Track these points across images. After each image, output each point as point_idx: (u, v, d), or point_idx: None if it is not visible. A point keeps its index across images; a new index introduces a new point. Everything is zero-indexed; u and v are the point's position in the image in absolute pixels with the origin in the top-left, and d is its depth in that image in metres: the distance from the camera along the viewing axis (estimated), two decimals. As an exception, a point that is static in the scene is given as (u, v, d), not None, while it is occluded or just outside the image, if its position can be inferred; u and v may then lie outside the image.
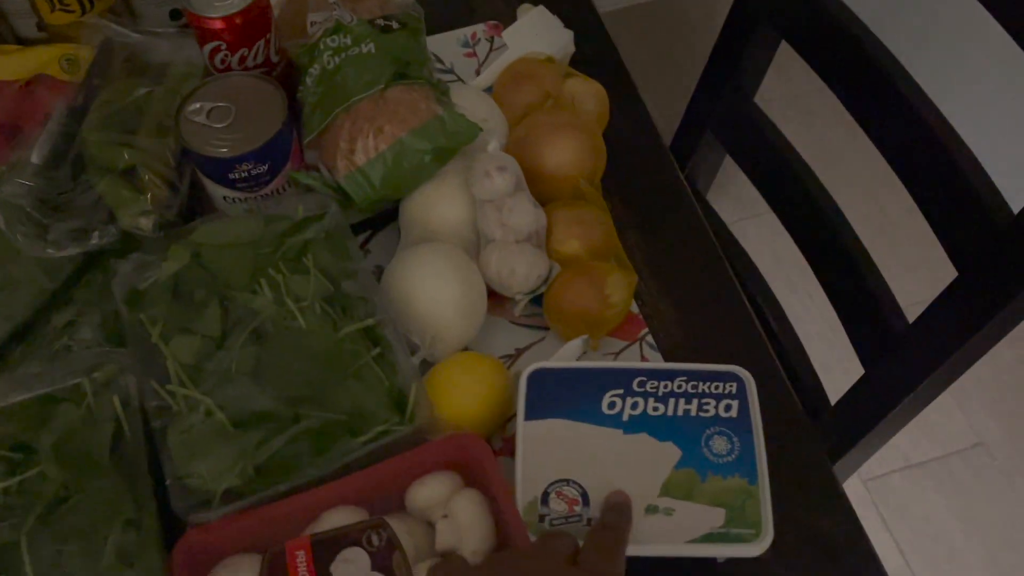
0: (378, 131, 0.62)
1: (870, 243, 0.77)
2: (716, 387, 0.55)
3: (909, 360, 0.70)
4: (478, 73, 0.80)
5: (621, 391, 0.54)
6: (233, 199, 0.64)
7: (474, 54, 0.81)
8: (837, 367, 0.98)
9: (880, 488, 1.43)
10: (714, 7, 2.02)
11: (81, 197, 0.61)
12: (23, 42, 0.79)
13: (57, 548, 0.49)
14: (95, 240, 0.59)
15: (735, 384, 0.55)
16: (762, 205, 0.85)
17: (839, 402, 0.80)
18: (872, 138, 0.70)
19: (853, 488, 1.43)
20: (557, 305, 0.62)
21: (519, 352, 0.65)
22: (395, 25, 0.68)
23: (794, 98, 1.61)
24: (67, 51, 0.72)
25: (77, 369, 0.56)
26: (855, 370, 0.78)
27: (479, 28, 0.83)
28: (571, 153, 0.66)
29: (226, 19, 0.63)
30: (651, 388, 0.55)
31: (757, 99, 0.86)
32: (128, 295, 0.58)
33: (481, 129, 0.63)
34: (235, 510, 0.50)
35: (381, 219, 0.70)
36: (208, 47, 0.65)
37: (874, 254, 0.76)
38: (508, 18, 0.84)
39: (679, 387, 0.55)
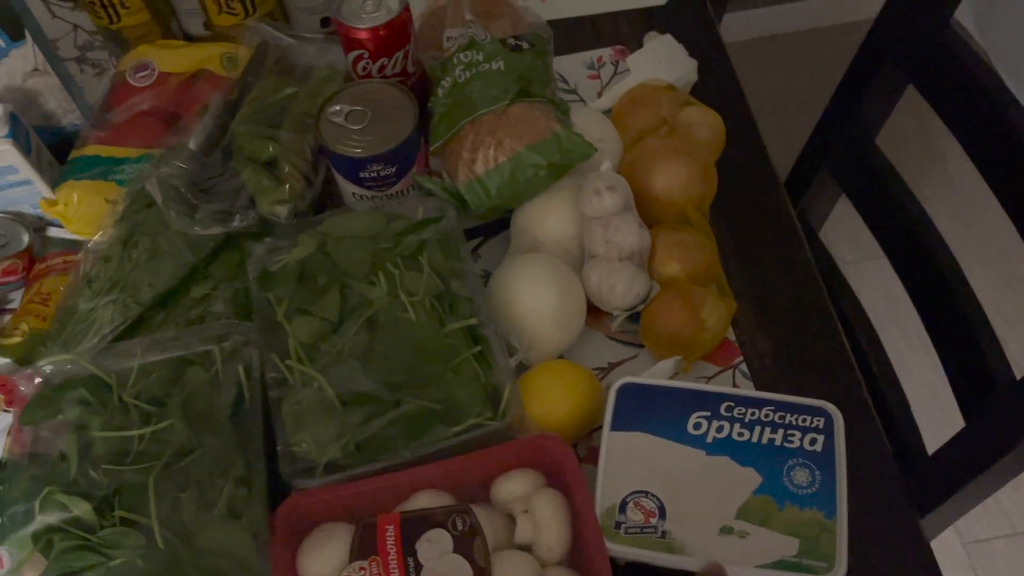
0: (499, 144, 0.66)
1: (985, 294, 0.75)
2: (803, 420, 0.56)
3: (1013, 415, 0.68)
4: (600, 95, 0.83)
5: (708, 413, 0.56)
6: (361, 196, 0.69)
7: (597, 76, 0.84)
8: (940, 418, 0.95)
9: (982, 553, 1.37)
10: (843, 44, 2.00)
11: (227, 183, 0.67)
12: (189, 38, 0.88)
13: (177, 494, 0.54)
14: (236, 222, 0.65)
15: (823, 419, 0.56)
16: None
17: (936, 453, 0.78)
18: (996, 194, 0.69)
19: (952, 549, 1.37)
20: (653, 324, 0.64)
21: (612, 366, 0.67)
22: (525, 45, 0.72)
23: (918, 143, 1.57)
24: (228, 49, 0.79)
25: (209, 337, 0.62)
26: (957, 422, 0.76)
27: (605, 52, 0.86)
28: (680, 178, 0.67)
29: (371, 30, 0.68)
30: (738, 414, 0.56)
31: (879, 140, 0.86)
32: (260, 275, 0.63)
33: (595, 149, 0.66)
34: (335, 481, 0.55)
35: (493, 227, 0.74)
36: (352, 55, 0.71)
37: (986, 304, 0.75)
38: (634, 43, 0.87)
39: (766, 416, 0.56)
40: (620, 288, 0.64)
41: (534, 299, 0.62)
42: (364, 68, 0.71)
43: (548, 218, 0.67)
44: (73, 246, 0.74)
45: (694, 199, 0.68)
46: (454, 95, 0.69)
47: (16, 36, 0.72)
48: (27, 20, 0.73)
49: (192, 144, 0.70)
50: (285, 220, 0.65)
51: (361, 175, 0.67)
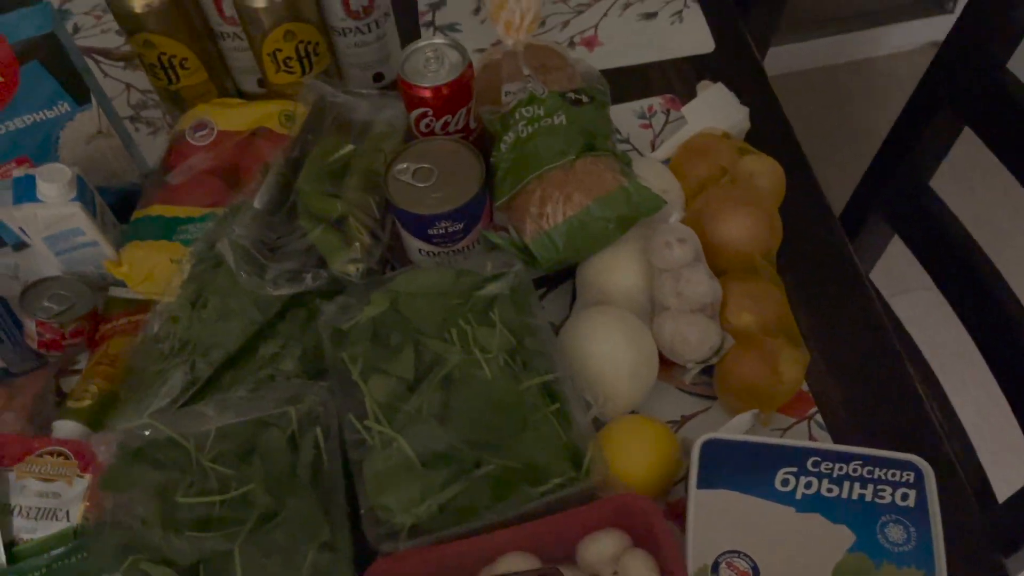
0: (567, 198, 0.66)
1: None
2: (893, 474, 0.55)
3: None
4: (653, 144, 0.83)
5: (795, 469, 0.55)
6: (428, 252, 0.69)
7: (649, 125, 0.85)
8: (1006, 457, 0.94)
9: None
10: (882, 75, 2.01)
11: (296, 242, 0.68)
12: (244, 96, 0.89)
13: (263, 560, 0.54)
14: (308, 283, 0.65)
15: (913, 473, 0.55)
16: (914, 281, 0.83)
17: (1011, 498, 0.77)
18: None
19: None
20: (728, 377, 0.63)
21: (685, 419, 0.66)
22: (585, 99, 0.72)
23: (973, 183, 1.56)
24: (285, 107, 0.80)
25: (284, 398, 0.61)
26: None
27: (656, 101, 0.87)
28: (748, 228, 0.68)
29: (435, 89, 0.69)
30: (825, 469, 0.55)
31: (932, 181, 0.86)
32: (333, 334, 0.63)
33: (665, 202, 0.66)
34: (420, 544, 0.54)
35: (556, 278, 0.74)
36: (415, 112, 0.71)
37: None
38: (683, 92, 0.87)
39: (854, 471, 0.55)
40: (693, 340, 0.63)
41: (608, 353, 0.62)
42: (427, 125, 0.72)
43: (616, 270, 0.67)
44: (137, 305, 0.74)
45: (761, 248, 0.68)
46: (517, 150, 0.70)
47: (81, 100, 0.73)
48: (92, 84, 0.74)
49: (257, 203, 0.70)
50: (358, 279, 0.65)
51: (429, 232, 0.67)
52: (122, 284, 0.75)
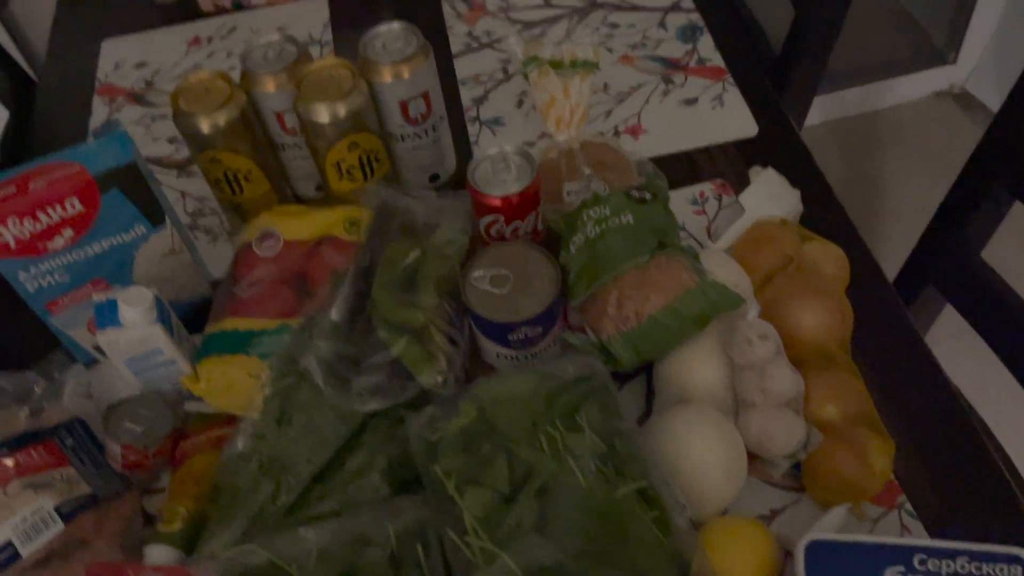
0: (645, 299, 0.67)
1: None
2: (1000, 569, 0.55)
3: None
4: (708, 230, 0.85)
5: (903, 568, 0.55)
6: (506, 356, 0.70)
7: (703, 212, 0.87)
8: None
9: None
10: (897, 128, 2.04)
11: (378, 355, 0.69)
12: (301, 200, 0.91)
13: None
14: (397, 397, 0.66)
15: (1020, 567, 0.55)
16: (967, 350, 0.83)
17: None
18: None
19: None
20: (819, 472, 0.64)
21: (774, 513, 0.67)
22: (648, 196, 0.74)
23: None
24: (349, 214, 0.82)
25: (381, 514, 0.62)
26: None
27: (706, 187, 0.88)
28: (822, 318, 0.69)
29: (505, 199, 0.71)
30: (933, 567, 0.55)
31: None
32: (424, 447, 0.64)
33: (743, 299, 0.67)
34: (536, 665, 0.54)
35: (626, 374, 0.75)
36: (486, 219, 0.73)
37: None
38: (731, 176, 0.89)
39: (962, 567, 0.55)
40: (782, 437, 0.64)
41: (702, 455, 0.63)
42: (497, 231, 0.73)
43: (697, 367, 0.68)
44: (215, 420, 0.75)
45: (836, 337, 0.69)
46: (588, 251, 0.71)
47: (156, 222, 0.75)
48: (166, 205, 0.75)
49: (335, 315, 0.71)
50: (447, 390, 0.66)
51: (509, 338, 0.68)
52: (198, 398, 0.76)
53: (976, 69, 2.09)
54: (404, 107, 0.81)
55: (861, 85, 2.10)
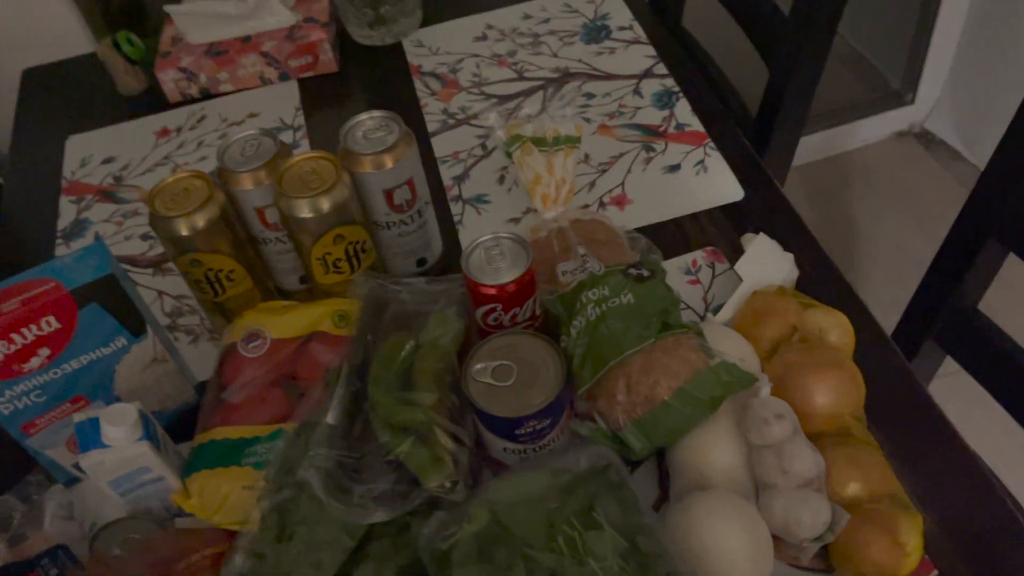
0: (655, 384, 0.65)
1: None
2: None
3: None
4: (705, 299, 0.83)
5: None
6: (513, 450, 0.67)
7: (698, 281, 0.85)
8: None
9: None
10: (862, 170, 2.07)
11: (378, 460, 0.66)
12: (285, 295, 0.88)
13: None
14: (405, 506, 0.62)
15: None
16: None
17: None
18: None
19: None
20: (848, 554, 0.61)
21: (804, 598, 0.64)
22: (646, 273, 0.73)
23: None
24: (337, 307, 0.79)
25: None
26: None
27: (698, 255, 0.87)
28: (836, 391, 0.67)
29: (502, 287, 0.69)
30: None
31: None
32: (437, 557, 0.60)
33: (756, 378, 0.65)
34: None
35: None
36: (483, 309, 0.71)
37: None
38: (721, 243, 0.88)
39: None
40: (807, 519, 0.61)
41: (727, 544, 0.60)
42: (496, 319, 0.71)
43: (713, 450, 0.65)
44: (207, 536, 0.70)
45: (851, 409, 0.67)
46: (590, 335, 0.69)
47: (137, 332, 0.71)
48: (147, 314, 0.72)
49: (331, 419, 0.68)
50: (456, 495, 0.63)
51: (516, 432, 0.65)
52: (188, 514, 0.71)
53: (935, 108, 2.14)
54: (389, 196, 0.79)
55: (822, 131, 2.13)
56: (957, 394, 1.03)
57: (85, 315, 0.67)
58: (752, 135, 1.12)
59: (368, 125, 0.79)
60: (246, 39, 1.14)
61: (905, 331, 0.92)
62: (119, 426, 0.65)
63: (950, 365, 0.94)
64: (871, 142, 2.20)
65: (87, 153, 1.11)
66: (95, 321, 0.68)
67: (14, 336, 0.65)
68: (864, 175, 2.15)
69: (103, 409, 0.67)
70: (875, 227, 2.02)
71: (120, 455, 0.66)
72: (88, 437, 0.66)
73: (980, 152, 2.06)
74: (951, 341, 0.86)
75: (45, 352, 0.67)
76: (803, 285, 0.81)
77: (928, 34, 1.99)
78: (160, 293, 0.93)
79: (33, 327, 0.65)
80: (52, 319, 0.66)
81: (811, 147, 2.15)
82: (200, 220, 0.74)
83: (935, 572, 0.64)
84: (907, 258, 1.93)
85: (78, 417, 0.67)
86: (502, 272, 0.69)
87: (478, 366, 0.67)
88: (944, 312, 0.85)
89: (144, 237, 0.99)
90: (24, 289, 0.65)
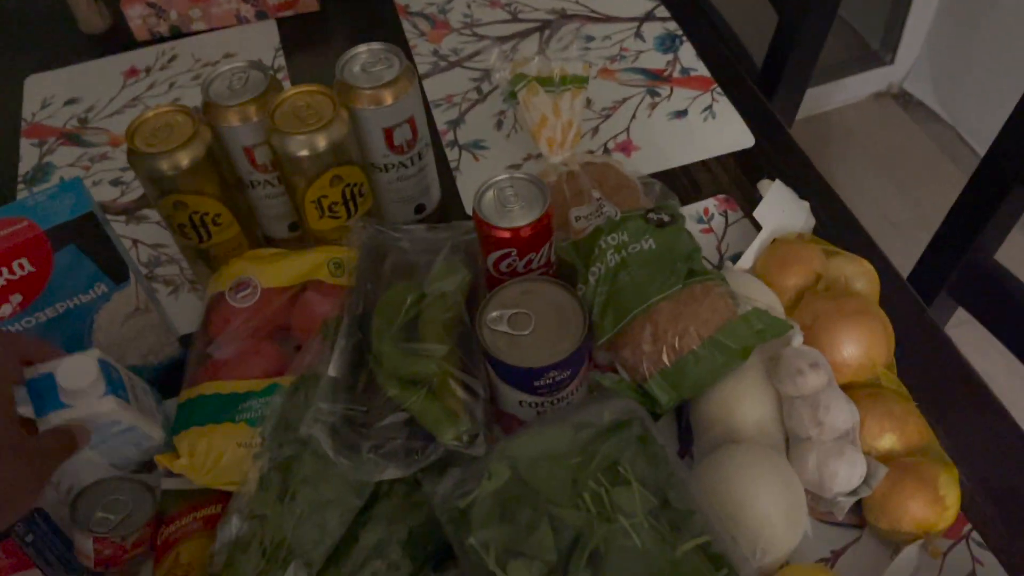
0: (684, 332, 0.61)
1: None
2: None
3: None
4: (719, 249, 0.80)
5: (1004, 613, 0.51)
6: (530, 403, 0.63)
7: (711, 229, 0.82)
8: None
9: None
10: (842, 129, 2.05)
11: (390, 414, 0.61)
12: (273, 243, 0.82)
13: None
14: (420, 462, 0.58)
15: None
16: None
17: None
18: None
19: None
20: (887, 509, 0.59)
21: (835, 555, 0.61)
22: (666, 219, 0.69)
23: None
24: (332, 254, 0.74)
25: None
26: None
27: (710, 203, 0.84)
28: (867, 340, 0.64)
29: (517, 230, 0.64)
30: (1036, 608, 0.51)
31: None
32: (454, 516, 0.57)
33: (791, 326, 0.62)
34: None
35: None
36: (496, 254, 0.66)
37: None
38: (734, 191, 0.85)
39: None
40: (844, 473, 0.59)
41: (760, 501, 0.57)
42: (509, 266, 0.66)
43: (743, 402, 0.62)
44: (198, 498, 0.66)
45: (882, 359, 0.64)
46: (610, 282, 0.65)
47: (119, 279, 0.65)
48: (128, 259, 0.66)
49: (332, 371, 0.64)
50: (475, 449, 0.59)
51: (536, 384, 0.61)
52: (178, 476, 0.66)
53: (913, 69, 2.13)
54: (389, 135, 0.73)
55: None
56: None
57: (61, 258, 0.61)
58: (759, 82, 1.08)
59: (366, 58, 0.73)
60: (221, -27, 1.07)
61: (917, 284, 0.89)
62: (77, 382, 0.58)
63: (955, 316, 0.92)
64: (850, 102, 2.19)
65: (48, 94, 1.03)
66: (73, 265, 0.62)
67: (-18, 280, 0.59)
68: (843, 135, 2.13)
69: (57, 362, 0.58)
70: (854, 188, 2.00)
71: (83, 414, 0.59)
72: (43, 399, 0.57)
73: (957, 114, 2.06)
74: (967, 295, 0.84)
75: (17, 299, 0.61)
76: (820, 234, 0.78)
77: (909, -6, 1.97)
78: (135, 242, 0.87)
79: (4, 270, 0.59)
80: (25, 261, 0.60)
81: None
82: (184, 158, 0.68)
83: (968, 526, 0.62)
84: (886, 220, 1.92)
85: (28, 373, 0.58)
86: (516, 215, 0.65)
87: (493, 314, 0.62)
88: (959, 264, 0.83)
89: (115, 183, 0.92)
90: (-7, 228, 0.59)
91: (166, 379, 0.72)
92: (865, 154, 2.08)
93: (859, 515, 0.62)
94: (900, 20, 2.04)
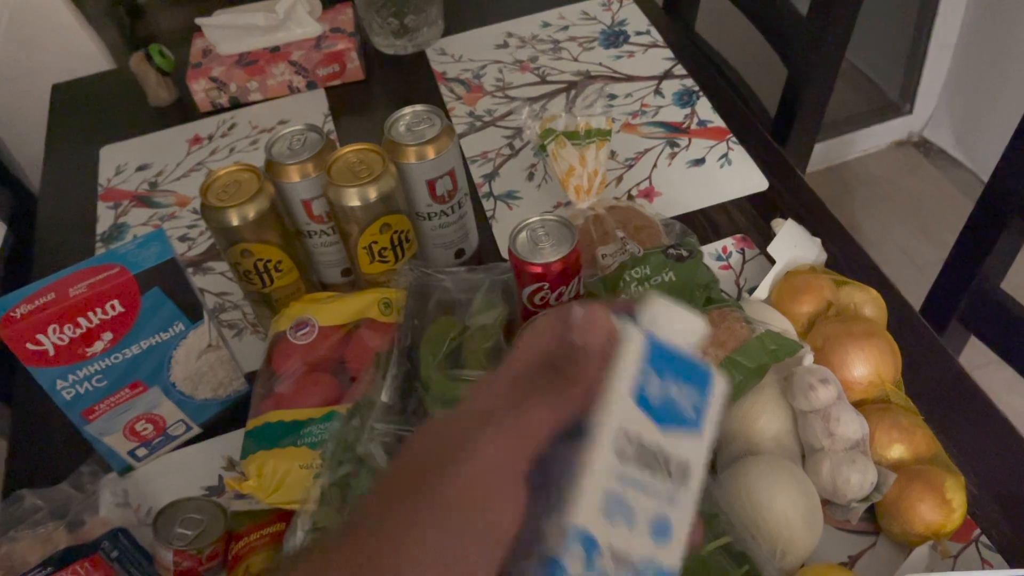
0: (703, 355, 0.67)
1: None
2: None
3: None
4: (738, 283, 0.86)
5: (1006, 601, 0.55)
6: (564, 424, 0.69)
7: (729, 266, 0.88)
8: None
9: None
10: (863, 178, 2.11)
11: (437, 432, 0.67)
12: (327, 288, 0.90)
13: None
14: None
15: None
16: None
17: None
18: None
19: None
20: (899, 513, 0.63)
21: (852, 559, 0.66)
22: (685, 253, 0.75)
23: None
24: (382, 296, 0.81)
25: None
26: None
27: (728, 242, 0.90)
28: (875, 359, 0.69)
29: (549, 265, 0.71)
30: (1036, 597, 0.55)
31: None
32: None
33: (801, 345, 0.68)
34: None
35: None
36: (530, 288, 0.73)
37: None
38: (751, 230, 0.91)
39: (1064, 594, 0.55)
40: (855, 479, 0.64)
41: (781, 506, 0.62)
42: (542, 299, 0.73)
43: (760, 417, 0.67)
44: (264, 517, 0.72)
45: (889, 377, 0.69)
46: (635, 311, 0.72)
47: (195, 318, 0.73)
48: (203, 300, 0.74)
49: (385, 397, 0.70)
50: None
51: (569, 404, 0.67)
52: (247, 497, 0.73)
53: (932, 117, 2.19)
54: (431, 186, 0.81)
55: (822, 141, 2.17)
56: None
57: (147, 300, 0.69)
58: (772, 130, 1.16)
59: (410, 119, 0.82)
60: (275, 49, 1.18)
61: (929, 313, 0.94)
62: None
63: (976, 359, 0.96)
64: (871, 152, 2.25)
65: (122, 161, 1.14)
66: (156, 306, 0.70)
67: (80, 320, 0.67)
68: (865, 184, 2.19)
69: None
70: (879, 234, 2.05)
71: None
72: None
73: (978, 159, 2.10)
74: (977, 322, 0.89)
75: (108, 336, 0.69)
76: (832, 267, 0.84)
77: (924, 45, 2.05)
78: (202, 290, 0.95)
79: (99, 311, 0.67)
80: (116, 303, 0.68)
81: (812, 158, 2.18)
82: (251, 211, 0.77)
83: (977, 531, 0.66)
84: (912, 263, 1.96)
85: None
86: (547, 251, 0.72)
87: (529, 342, 0.69)
88: (967, 295, 0.88)
89: (183, 238, 1.02)
90: (90, 274, 0.68)
91: (234, 412, 0.79)
92: (889, 201, 2.13)
93: (873, 522, 0.67)
94: (917, 70, 2.11)
